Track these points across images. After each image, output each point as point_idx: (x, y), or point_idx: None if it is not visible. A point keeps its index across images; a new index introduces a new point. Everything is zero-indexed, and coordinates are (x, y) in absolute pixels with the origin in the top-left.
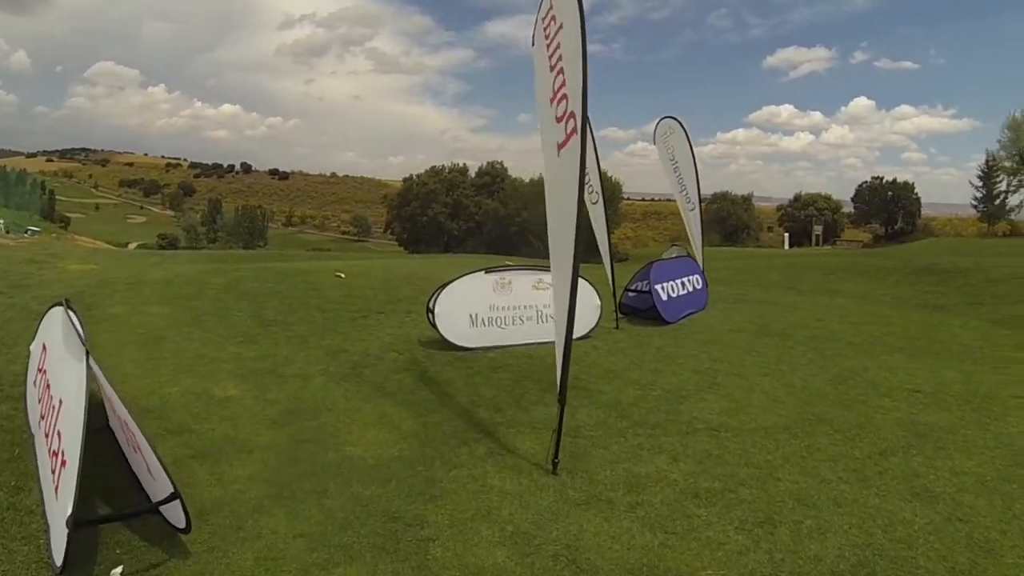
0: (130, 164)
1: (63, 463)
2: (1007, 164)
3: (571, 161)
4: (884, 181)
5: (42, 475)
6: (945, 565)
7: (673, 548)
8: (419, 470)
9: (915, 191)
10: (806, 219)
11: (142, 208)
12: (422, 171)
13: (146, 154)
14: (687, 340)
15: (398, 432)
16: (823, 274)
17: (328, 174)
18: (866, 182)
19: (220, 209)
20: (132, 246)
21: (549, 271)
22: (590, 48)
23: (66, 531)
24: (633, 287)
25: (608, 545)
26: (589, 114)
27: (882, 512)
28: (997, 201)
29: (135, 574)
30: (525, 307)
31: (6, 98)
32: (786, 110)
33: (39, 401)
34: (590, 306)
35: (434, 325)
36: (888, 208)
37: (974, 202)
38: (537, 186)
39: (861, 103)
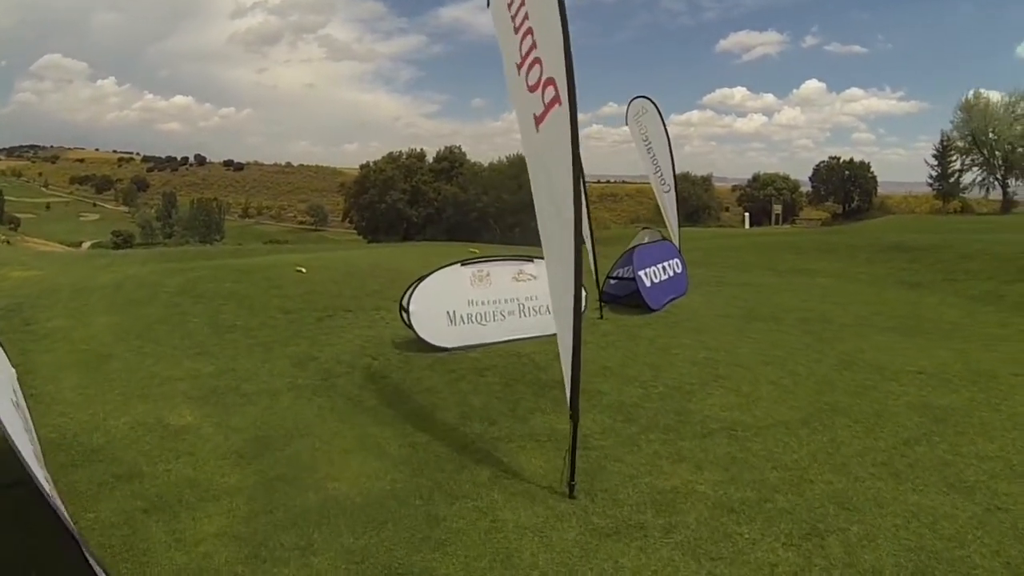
0: (81, 160)
1: None
2: (960, 144)
3: (555, 137)
4: (841, 161)
5: None
6: (1000, 561)
7: None
8: (417, 505)
9: (871, 170)
10: (765, 199)
11: (95, 205)
12: (378, 158)
13: (97, 149)
14: (677, 329)
15: (385, 458)
16: (794, 254)
17: (283, 163)
18: (823, 162)
19: (175, 203)
20: (86, 245)
21: (528, 261)
22: None
23: None
24: (615, 274)
25: None
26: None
27: (924, 509)
28: (952, 179)
29: None
30: (506, 300)
31: None
32: (739, 92)
33: None
34: None
35: (409, 325)
36: (845, 187)
37: (930, 180)
38: (496, 170)
39: (812, 85)
